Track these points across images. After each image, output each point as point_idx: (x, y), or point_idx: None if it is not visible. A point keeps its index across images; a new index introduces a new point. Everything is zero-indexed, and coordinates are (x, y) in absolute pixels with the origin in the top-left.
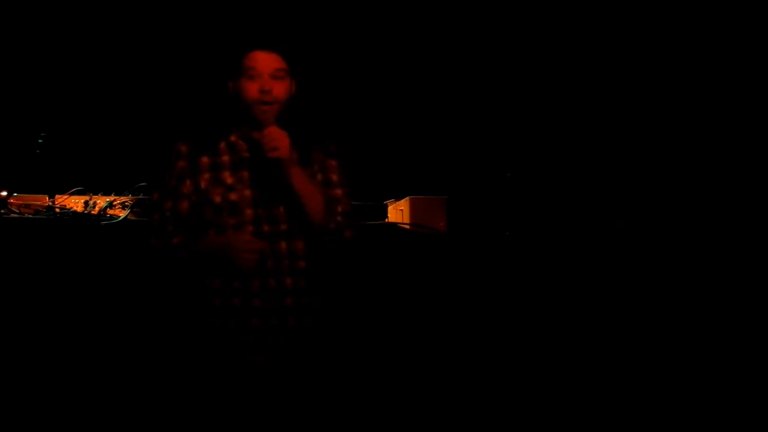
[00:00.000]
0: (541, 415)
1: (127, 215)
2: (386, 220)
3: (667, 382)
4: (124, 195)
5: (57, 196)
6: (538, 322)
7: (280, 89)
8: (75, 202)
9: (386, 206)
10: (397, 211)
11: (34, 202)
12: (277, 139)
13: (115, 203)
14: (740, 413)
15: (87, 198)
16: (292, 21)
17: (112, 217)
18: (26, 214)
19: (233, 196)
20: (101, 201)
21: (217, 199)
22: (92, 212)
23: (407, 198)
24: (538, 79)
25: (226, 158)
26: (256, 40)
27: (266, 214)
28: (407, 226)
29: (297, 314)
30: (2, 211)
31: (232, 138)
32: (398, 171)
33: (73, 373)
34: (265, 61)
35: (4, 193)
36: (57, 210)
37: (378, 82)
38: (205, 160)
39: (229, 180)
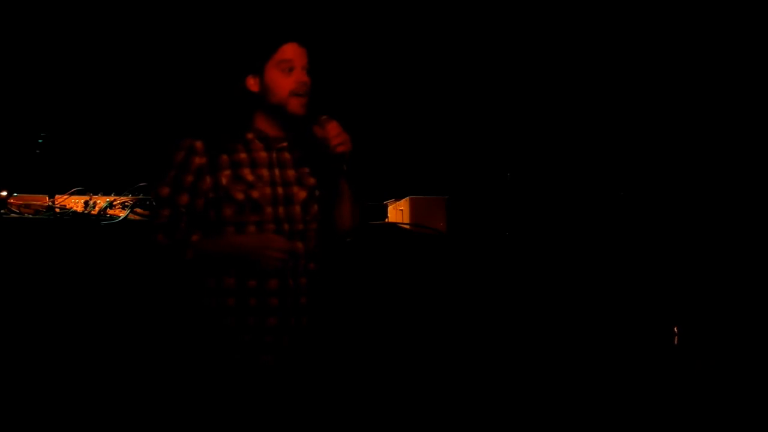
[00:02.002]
0: (541, 414)
1: (127, 215)
2: (386, 220)
3: (667, 382)
4: (124, 195)
5: (57, 196)
6: (537, 322)
7: (310, 83)
8: (75, 202)
9: (386, 206)
10: (397, 211)
11: (34, 202)
12: (342, 134)
13: (115, 203)
14: (740, 413)
15: (87, 198)
16: (291, 21)
17: (112, 217)
18: (26, 214)
19: (255, 194)
20: (101, 201)
21: (240, 196)
22: (92, 212)
23: (407, 198)
24: (538, 80)
25: (244, 156)
26: (279, 33)
27: (285, 212)
28: (407, 226)
29: (310, 314)
30: (2, 211)
31: (249, 136)
32: (398, 171)
33: (74, 374)
34: (299, 54)
35: (4, 193)
36: (57, 210)
37: (378, 83)
38: (224, 157)
39: (250, 177)
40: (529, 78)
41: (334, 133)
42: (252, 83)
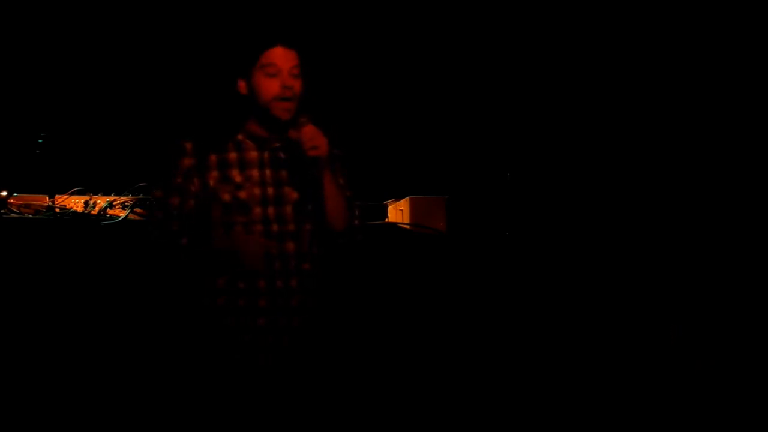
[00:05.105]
0: (541, 415)
1: (127, 215)
2: (386, 220)
3: (668, 383)
4: (124, 195)
5: (57, 196)
6: (537, 322)
7: (298, 86)
8: (75, 202)
9: (386, 206)
10: (397, 211)
11: (34, 202)
12: (316, 138)
13: (115, 203)
14: (740, 413)
15: (87, 198)
16: (292, 21)
17: (112, 217)
18: (26, 214)
19: (243, 195)
20: (101, 201)
21: (227, 197)
22: (92, 212)
23: (407, 198)
24: (538, 80)
25: (233, 156)
26: (264, 38)
27: (275, 213)
28: (407, 226)
29: (302, 314)
30: (2, 211)
31: (239, 137)
32: (398, 171)
33: (74, 374)
34: (285, 58)
35: (4, 193)
36: (57, 210)
37: (378, 82)
38: (213, 157)
39: (238, 178)
40: (529, 78)
41: (307, 137)
42: (242, 86)
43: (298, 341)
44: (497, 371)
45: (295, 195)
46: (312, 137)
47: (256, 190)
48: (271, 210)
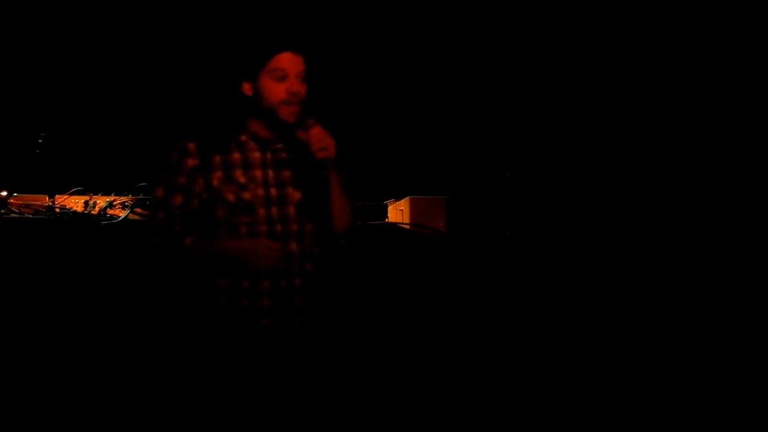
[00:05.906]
0: (541, 415)
1: (127, 215)
2: (386, 220)
3: (668, 383)
4: (124, 195)
5: (57, 196)
6: (537, 322)
7: (304, 91)
8: (75, 202)
9: (386, 206)
10: (397, 211)
11: (34, 202)
12: (324, 139)
13: (115, 203)
14: (740, 413)
15: (87, 198)
16: (287, 29)
17: (112, 217)
18: (26, 214)
19: (247, 195)
20: (101, 201)
21: (231, 197)
22: (92, 212)
23: (407, 198)
24: (538, 80)
25: (237, 156)
26: (273, 42)
27: (278, 213)
28: (407, 226)
29: (304, 314)
30: (2, 211)
31: (243, 138)
32: (398, 171)
33: (74, 374)
34: (293, 63)
35: (4, 193)
36: (57, 210)
37: (378, 82)
38: (217, 158)
39: (242, 179)
40: (529, 78)
41: (315, 138)
42: (247, 88)
43: (298, 341)
44: (497, 371)
45: (297, 195)
46: (320, 139)
47: (260, 191)
48: (274, 210)
